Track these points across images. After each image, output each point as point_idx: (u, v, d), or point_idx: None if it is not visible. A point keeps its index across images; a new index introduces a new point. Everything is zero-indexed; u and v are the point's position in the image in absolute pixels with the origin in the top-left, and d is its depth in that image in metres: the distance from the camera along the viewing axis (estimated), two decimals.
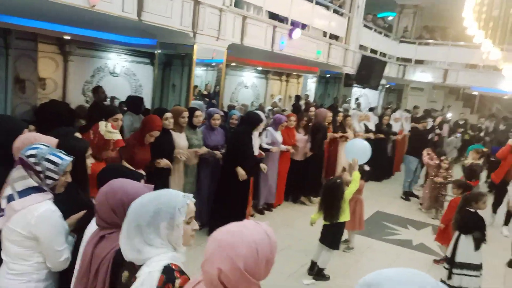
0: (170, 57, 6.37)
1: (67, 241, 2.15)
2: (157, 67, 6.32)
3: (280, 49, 7.56)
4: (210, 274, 1.30)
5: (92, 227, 1.99)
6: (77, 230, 2.22)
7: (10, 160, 2.47)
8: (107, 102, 7.93)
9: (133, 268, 1.61)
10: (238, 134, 5.28)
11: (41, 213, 2.03)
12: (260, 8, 7.08)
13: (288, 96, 15.63)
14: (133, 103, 5.71)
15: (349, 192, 4.54)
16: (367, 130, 8.85)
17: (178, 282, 1.51)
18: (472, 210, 4.46)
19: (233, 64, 12.08)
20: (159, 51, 6.33)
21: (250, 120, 5.36)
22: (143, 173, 3.66)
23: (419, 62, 13.61)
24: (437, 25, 14.76)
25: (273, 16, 7.59)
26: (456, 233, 4.46)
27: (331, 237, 4.56)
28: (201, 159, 5.18)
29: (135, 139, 4.15)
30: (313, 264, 4.68)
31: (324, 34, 9.20)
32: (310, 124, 7.18)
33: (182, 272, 1.55)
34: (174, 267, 1.54)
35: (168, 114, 4.52)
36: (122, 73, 10.31)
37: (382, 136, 9.06)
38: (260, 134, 5.99)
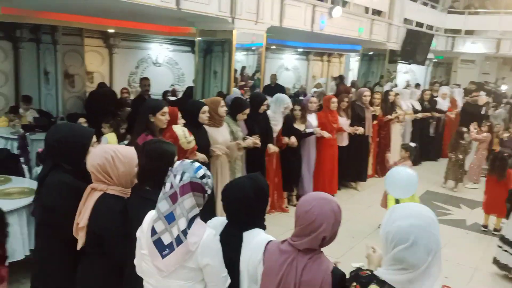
0: (210, 44, 6.40)
1: None
2: (197, 55, 6.35)
3: (320, 29, 7.38)
4: None
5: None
6: None
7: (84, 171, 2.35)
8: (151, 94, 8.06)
9: None
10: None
11: (205, 239, 1.80)
12: None
13: (330, 76, 15.31)
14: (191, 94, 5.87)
15: None
16: (414, 110, 8.39)
17: None
18: None
19: (273, 47, 11.95)
20: (199, 38, 6.35)
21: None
22: None
23: (469, 33, 12.86)
24: None
25: None
26: None
27: None
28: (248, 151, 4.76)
29: (171, 137, 3.62)
30: None
31: (366, 10, 8.88)
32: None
33: None
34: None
35: (206, 108, 4.01)
36: (164, 62, 10.52)
37: (428, 114, 8.48)
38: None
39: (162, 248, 1.80)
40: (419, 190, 6.42)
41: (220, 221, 2.05)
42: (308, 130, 5.75)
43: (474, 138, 7.02)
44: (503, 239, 4.34)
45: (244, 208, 1.95)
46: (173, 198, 1.81)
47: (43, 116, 7.13)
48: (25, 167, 4.46)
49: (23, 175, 4.39)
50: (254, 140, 4.57)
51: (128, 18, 7.16)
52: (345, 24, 8.05)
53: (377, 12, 9.35)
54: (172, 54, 10.65)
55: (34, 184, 4.02)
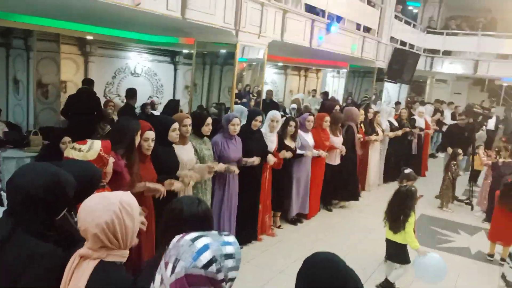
0: (208, 56, 5.95)
1: None
2: (194, 67, 5.88)
3: (318, 44, 7.10)
4: None
5: None
6: None
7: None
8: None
9: None
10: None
11: None
12: (298, 1, 6.61)
13: (307, 91, 15.17)
14: (174, 107, 5.51)
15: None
16: (392, 128, 8.32)
17: None
18: None
19: (254, 63, 11.60)
20: (193, 51, 5.89)
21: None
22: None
23: (447, 53, 13.08)
24: (465, 15, 14.24)
25: (309, 10, 7.12)
26: None
27: (400, 252, 4.18)
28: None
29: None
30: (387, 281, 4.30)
31: (357, 27, 8.72)
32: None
33: None
34: None
35: (176, 125, 3.61)
36: (143, 73, 9.88)
37: (408, 130, 8.57)
38: None
39: None
40: None
41: None
42: (299, 151, 5.60)
43: (485, 164, 6.93)
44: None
45: None
46: None
47: (13, 130, 6.37)
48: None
49: (1, 204, 3.72)
50: (228, 167, 4.30)
51: (115, 26, 6.56)
52: (339, 40, 7.83)
53: (366, 30, 9.22)
54: (150, 64, 10.04)
55: None
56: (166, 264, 1.26)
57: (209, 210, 1.81)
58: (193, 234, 1.30)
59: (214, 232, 1.33)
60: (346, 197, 6.97)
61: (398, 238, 4.14)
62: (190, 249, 1.24)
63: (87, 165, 2.15)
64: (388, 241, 4.26)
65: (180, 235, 1.31)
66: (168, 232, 1.69)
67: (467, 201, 7.54)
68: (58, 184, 1.72)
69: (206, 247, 1.24)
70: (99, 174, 2.14)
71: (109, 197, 1.61)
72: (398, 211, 4.11)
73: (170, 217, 1.77)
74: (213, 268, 1.23)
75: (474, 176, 8.27)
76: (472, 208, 7.37)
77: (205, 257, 1.22)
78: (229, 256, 1.26)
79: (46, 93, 7.19)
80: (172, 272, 1.23)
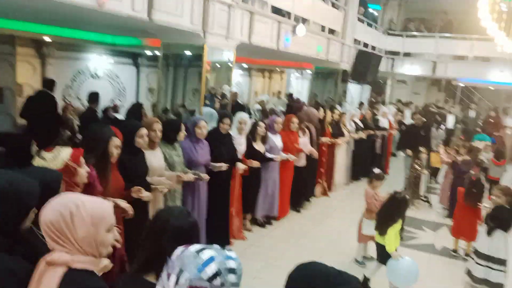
0: (174, 58, 5.81)
1: None
2: (161, 70, 5.72)
3: (285, 46, 7.08)
4: None
5: None
6: None
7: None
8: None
9: None
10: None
11: None
12: (265, 3, 6.58)
13: (272, 92, 15.20)
14: (137, 111, 5.33)
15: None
16: (357, 128, 8.48)
17: None
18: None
19: (218, 65, 11.47)
20: (160, 52, 5.74)
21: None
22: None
23: (406, 54, 13.46)
24: (422, 17, 14.69)
25: (275, 12, 7.10)
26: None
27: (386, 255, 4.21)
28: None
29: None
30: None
31: (322, 29, 8.80)
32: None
33: None
34: None
35: (144, 131, 3.45)
36: (104, 75, 9.55)
37: (373, 132, 8.78)
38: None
39: None
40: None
41: None
42: (268, 155, 5.58)
43: (445, 163, 7.12)
44: (477, 252, 4.46)
45: None
46: None
47: None
48: None
49: None
50: (198, 174, 4.15)
51: (75, 27, 6.29)
52: (305, 42, 7.85)
53: (331, 32, 9.32)
54: (112, 66, 9.72)
55: None
56: (169, 276, 1.22)
57: (196, 225, 1.73)
58: (197, 246, 1.26)
59: (216, 246, 1.29)
60: (308, 196, 7.04)
61: (382, 240, 4.21)
62: (195, 260, 1.21)
63: (43, 171, 2.06)
64: (377, 244, 4.33)
65: (183, 247, 1.28)
66: (148, 240, 1.68)
67: (425, 198, 7.75)
68: (13, 191, 1.64)
69: (211, 259, 1.21)
70: (57, 178, 2.03)
71: (68, 198, 1.55)
72: (388, 215, 4.17)
73: (155, 225, 1.70)
74: (217, 281, 1.19)
75: (433, 173, 8.53)
76: (430, 205, 7.58)
77: (211, 269, 1.20)
78: (232, 271, 1.23)
79: (1, 98, 6.84)
80: (176, 283, 1.20)
